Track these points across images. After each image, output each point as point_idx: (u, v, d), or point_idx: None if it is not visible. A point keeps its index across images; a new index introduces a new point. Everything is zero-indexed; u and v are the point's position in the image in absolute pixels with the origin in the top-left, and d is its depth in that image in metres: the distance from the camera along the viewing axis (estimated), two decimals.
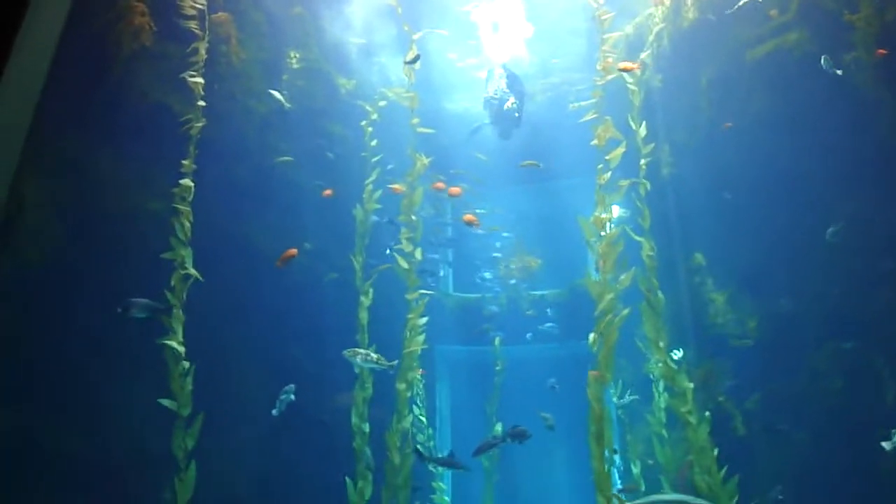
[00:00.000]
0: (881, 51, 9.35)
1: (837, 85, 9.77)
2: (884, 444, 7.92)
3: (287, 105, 12.17)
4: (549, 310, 16.76)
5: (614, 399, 12.65)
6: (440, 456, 13.06)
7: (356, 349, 10.28)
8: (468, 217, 13.41)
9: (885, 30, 9.52)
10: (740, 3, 10.45)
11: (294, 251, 10.72)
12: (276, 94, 12.03)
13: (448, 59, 16.52)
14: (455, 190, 13.31)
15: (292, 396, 10.18)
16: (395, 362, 10.39)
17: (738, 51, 11.26)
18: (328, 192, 12.23)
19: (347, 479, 10.29)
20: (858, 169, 9.68)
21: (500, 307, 17.11)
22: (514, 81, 15.62)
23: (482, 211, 15.99)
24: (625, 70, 10.42)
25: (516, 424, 11.63)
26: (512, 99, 15.25)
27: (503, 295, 17.46)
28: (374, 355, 10.27)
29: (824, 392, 10.02)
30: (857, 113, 9.66)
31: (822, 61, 9.66)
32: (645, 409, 11.75)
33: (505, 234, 18.01)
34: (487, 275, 17.93)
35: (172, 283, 9.02)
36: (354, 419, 10.71)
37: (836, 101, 9.81)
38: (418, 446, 12.14)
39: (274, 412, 10.14)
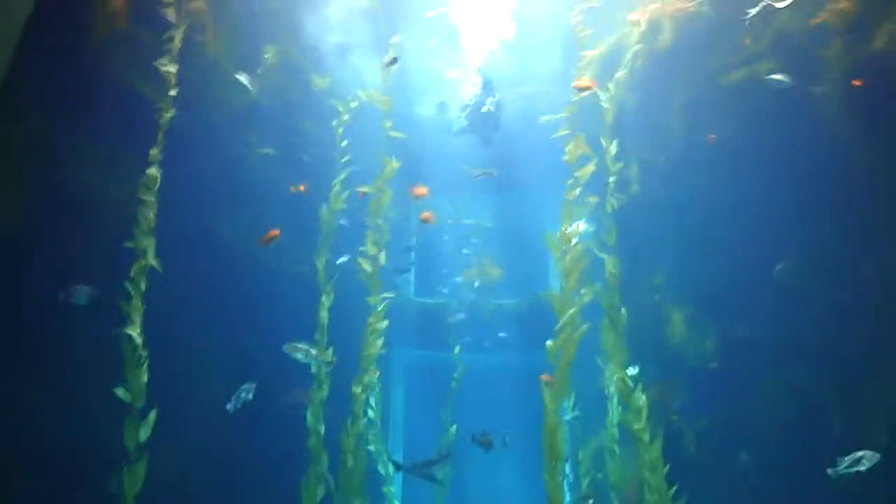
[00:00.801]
0: (856, 81, 9.53)
1: (805, 117, 9.96)
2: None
3: (252, 90, 11.96)
4: (511, 322, 16.81)
5: (567, 414, 12.68)
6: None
7: (296, 344, 10.19)
8: (425, 215, 13.37)
9: (853, 66, 9.72)
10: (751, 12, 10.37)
11: (276, 232, 10.66)
12: (242, 78, 11.80)
13: (421, 63, 16.46)
14: (421, 191, 13.20)
15: (250, 395, 10.05)
16: (330, 350, 10.54)
17: (711, 76, 11.40)
18: (299, 187, 12.16)
19: (302, 479, 10.30)
20: (820, 200, 9.86)
21: (466, 314, 17.06)
22: (488, 87, 15.59)
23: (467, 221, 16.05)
24: (582, 88, 10.51)
25: (484, 431, 11.58)
26: (491, 98, 15.21)
27: (465, 302, 17.43)
28: (314, 350, 10.26)
29: (774, 417, 10.16)
30: (821, 146, 9.83)
31: (775, 77, 9.89)
32: (598, 424, 11.82)
33: (473, 240, 18.03)
34: (458, 279, 17.90)
35: (132, 273, 8.85)
36: (310, 419, 10.67)
37: (802, 132, 9.98)
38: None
39: (228, 407, 10.02)
